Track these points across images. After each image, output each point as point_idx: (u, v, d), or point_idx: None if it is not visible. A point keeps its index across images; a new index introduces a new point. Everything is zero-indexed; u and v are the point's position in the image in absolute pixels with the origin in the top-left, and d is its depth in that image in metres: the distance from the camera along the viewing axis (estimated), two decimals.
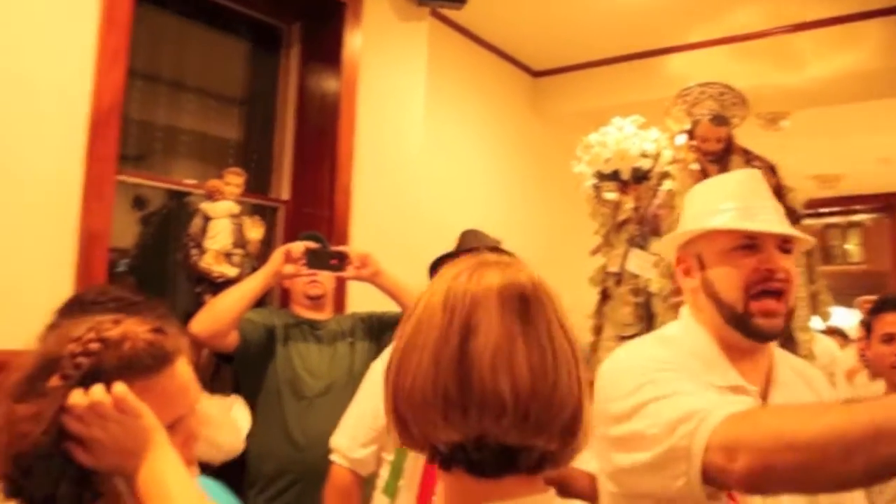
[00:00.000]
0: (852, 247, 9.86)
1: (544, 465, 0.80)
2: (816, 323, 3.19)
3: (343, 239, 3.07)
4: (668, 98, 3.19)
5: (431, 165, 3.82)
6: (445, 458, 0.79)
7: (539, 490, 0.82)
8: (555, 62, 4.80)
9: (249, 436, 2.33)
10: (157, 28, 2.95)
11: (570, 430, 0.78)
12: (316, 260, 2.32)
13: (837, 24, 4.01)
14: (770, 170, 3.01)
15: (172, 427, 0.96)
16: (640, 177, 3.05)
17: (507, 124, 4.69)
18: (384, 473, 1.87)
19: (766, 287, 1.26)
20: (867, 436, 0.86)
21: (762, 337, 1.28)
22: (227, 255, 2.77)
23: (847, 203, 7.84)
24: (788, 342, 2.85)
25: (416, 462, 1.62)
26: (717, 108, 3.02)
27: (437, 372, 0.76)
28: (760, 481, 0.96)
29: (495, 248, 1.89)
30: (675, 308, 2.83)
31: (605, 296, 3.11)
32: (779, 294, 1.26)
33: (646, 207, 3.01)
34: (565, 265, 4.76)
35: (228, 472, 2.09)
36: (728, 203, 1.32)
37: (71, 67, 2.24)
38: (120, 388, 0.90)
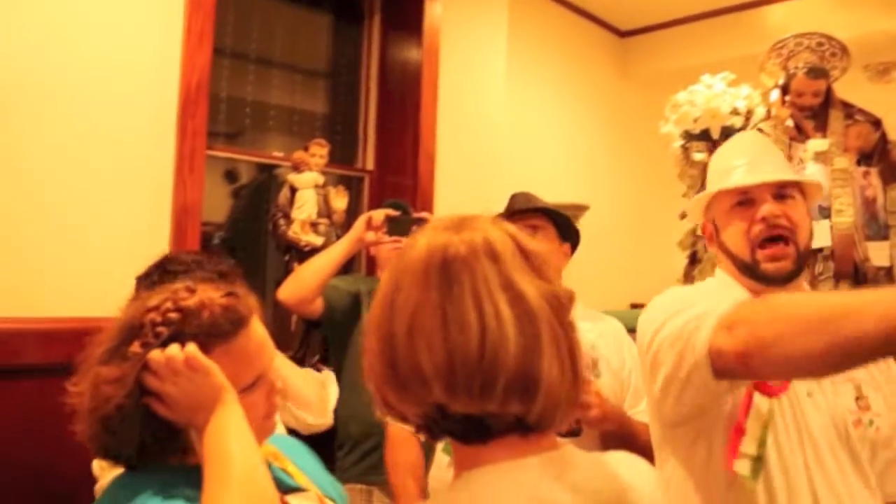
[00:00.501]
0: None
1: (528, 424, 0.77)
2: None
3: (428, 206, 3.09)
4: (761, 53, 3.04)
5: (514, 131, 3.78)
6: (425, 429, 0.81)
7: (543, 448, 0.79)
8: (642, 21, 4.65)
9: (338, 399, 2.40)
10: (243, 7, 3.03)
11: (524, 389, 0.75)
12: (396, 227, 2.34)
13: None
14: (874, 124, 2.85)
15: (254, 384, 1.00)
16: (730, 136, 2.93)
17: (593, 86, 4.59)
18: None
19: (768, 234, 1.33)
20: (838, 313, 0.90)
21: (771, 281, 1.35)
22: (313, 225, 2.85)
23: None
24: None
25: None
26: (815, 59, 2.87)
27: (379, 351, 0.78)
28: (753, 353, 0.99)
29: (543, 210, 1.83)
30: None
31: (693, 259, 3.03)
32: (783, 239, 1.33)
33: None
34: (653, 229, 4.67)
35: (321, 434, 2.17)
36: (734, 162, 1.41)
37: (161, 48, 2.33)
38: (191, 347, 0.94)
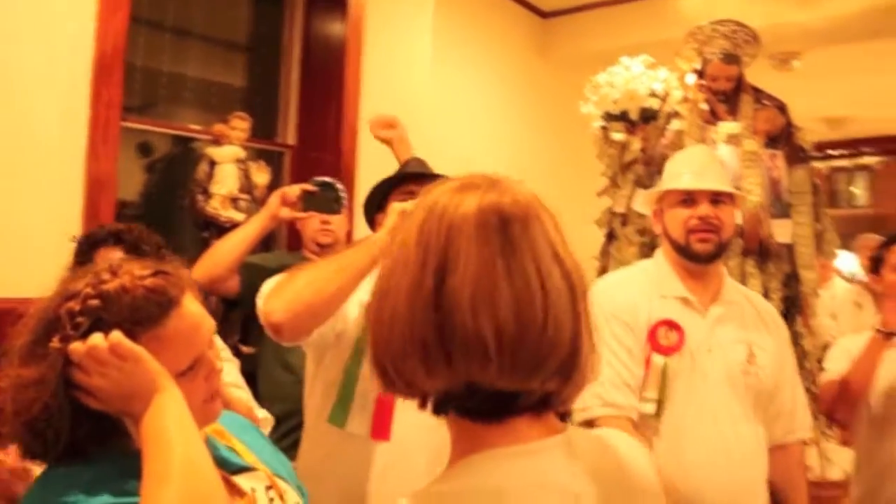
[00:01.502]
0: (858, 190, 9.81)
1: (550, 403, 0.73)
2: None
3: (350, 182, 3.07)
4: (678, 38, 3.14)
5: (439, 108, 3.78)
6: (436, 405, 0.73)
7: (552, 430, 0.75)
8: (564, 2, 4.71)
9: (260, 380, 2.36)
10: None
11: (568, 367, 0.70)
12: (312, 202, 2.28)
13: None
14: (780, 109, 2.99)
15: (191, 367, 0.95)
16: (648, 117, 3.02)
17: (515, 66, 4.63)
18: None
19: (700, 228, 1.77)
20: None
21: (699, 258, 1.79)
22: (234, 201, 2.78)
23: (854, 146, 7.75)
24: (792, 279, 2.86)
25: (368, 385, 1.55)
26: (729, 46, 2.97)
27: (412, 319, 0.68)
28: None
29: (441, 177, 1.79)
30: None
31: (610, 237, 3.11)
32: (711, 231, 1.76)
33: (653, 148, 2.99)
34: (572, 207, 4.74)
35: None
36: (684, 169, 1.85)
37: (74, 13, 2.21)
38: (116, 334, 0.87)
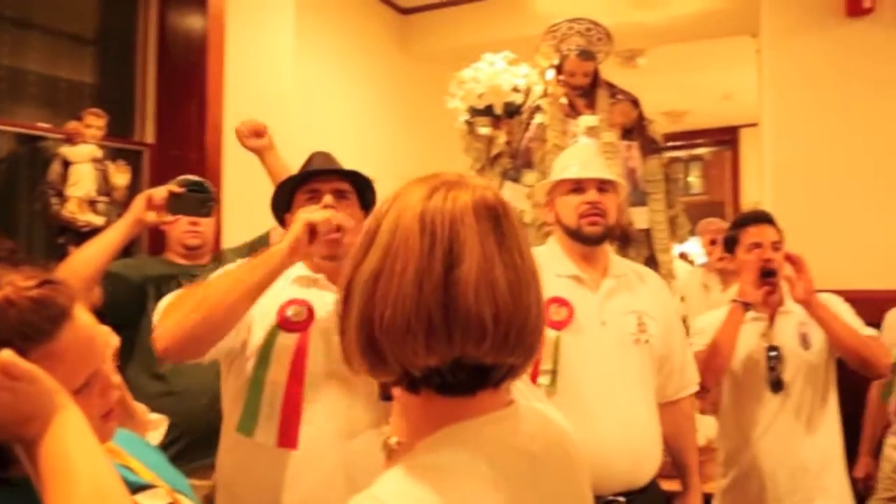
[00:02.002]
0: (694, 179, 10.58)
1: (509, 377, 0.81)
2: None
3: (216, 180, 2.97)
4: (536, 35, 3.26)
5: (304, 103, 3.73)
6: (415, 382, 0.78)
7: (506, 401, 0.84)
8: None
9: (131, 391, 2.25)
10: None
11: (535, 345, 0.80)
12: (180, 204, 2.18)
13: None
14: (633, 103, 3.18)
15: (87, 383, 0.88)
16: (512, 111, 3.13)
17: (376, 61, 4.64)
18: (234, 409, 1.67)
19: (589, 212, 1.93)
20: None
21: (589, 240, 1.95)
22: (92, 203, 2.63)
23: (690, 137, 8.33)
24: (650, 263, 3.06)
25: (274, 392, 1.54)
26: (584, 43, 3.13)
27: (419, 299, 0.73)
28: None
29: (351, 174, 1.77)
30: (547, 236, 2.98)
31: None
32: (599, 214, 1.94)
33: (518, 141, 3.10)
34: None
35: None
36: (572, 162, 2.04)
37: None
38: (6, 353, 0.79)
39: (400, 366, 0.76)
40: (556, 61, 3.19)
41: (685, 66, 5.88)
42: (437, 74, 3.49)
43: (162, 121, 3.09)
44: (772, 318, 2.29)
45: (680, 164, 10.77)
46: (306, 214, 1.48)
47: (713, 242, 4.76)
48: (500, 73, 3.11)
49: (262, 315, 1.57)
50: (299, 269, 1.66)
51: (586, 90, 3.14)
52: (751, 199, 7.08)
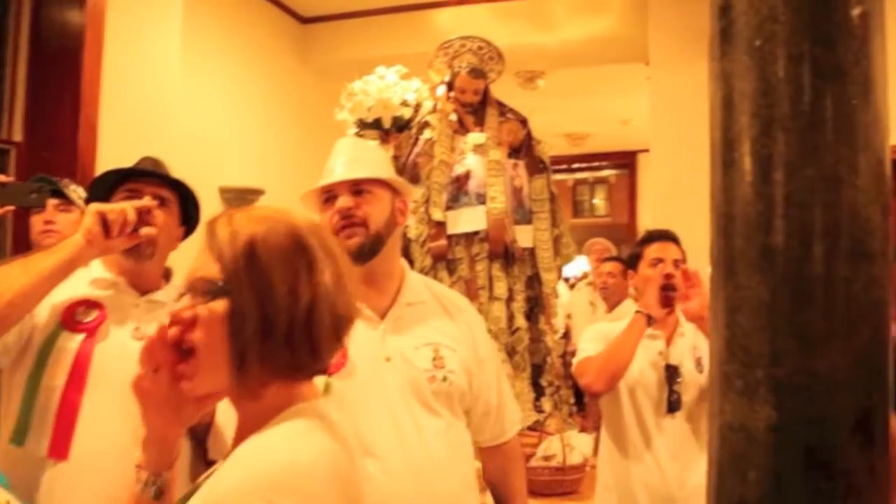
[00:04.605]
0: (599, 201, 10.87)
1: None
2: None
3: (87, 182, 2.82)
4: (431, 52, 3.27)
5: (191, 108, 3.62)
6: (270, 374, 0.89)
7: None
8: (323, 9, 4.72)
9: None
10: None
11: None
12: (9, 195, 2.03)
13: None
14: (522, 122, 3.22)
15: None
16: (401, 126, 3.12)
17: (273, 69, 4.55)
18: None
19: (341, 225, 1.54)
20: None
21: (353, 258, 1.52)
22: None
23: (593, 160, 8.56)
24: (535, 281, 3.09)
25: (49, 398, 1.45)
26: (476, 61, 3.15)
27: (333, 302, 0.92)
28: None
29: (174, 182, 1.67)
30: (430, 253, 2.98)
31: None
32: (357, 224, 1.55)
33: (406, 156, 3.09)
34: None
35: None
36: (329, 166, 1.63)
37: None
38: None
39: (296, 367, 0.90)
40: (447, 77, 3.21)
41: (584, 90, 6.03)
42: (336, 86, 3.46)
43: (31, 118, 2.92)
44: (669, 339, 2.30)
45: (586, 186, 11.09)
46: (97, 205, 1.40)
47: (599, 261, 4.91)
48: (390, 87, 3.10)
49: (51, 314, 1.48)
50: (99, 270, 1.59)
51: (476, 108, 3.17)
52: (646, 222, 7.31)
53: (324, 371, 0.95)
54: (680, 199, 3.71)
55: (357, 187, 1.57)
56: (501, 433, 1.72)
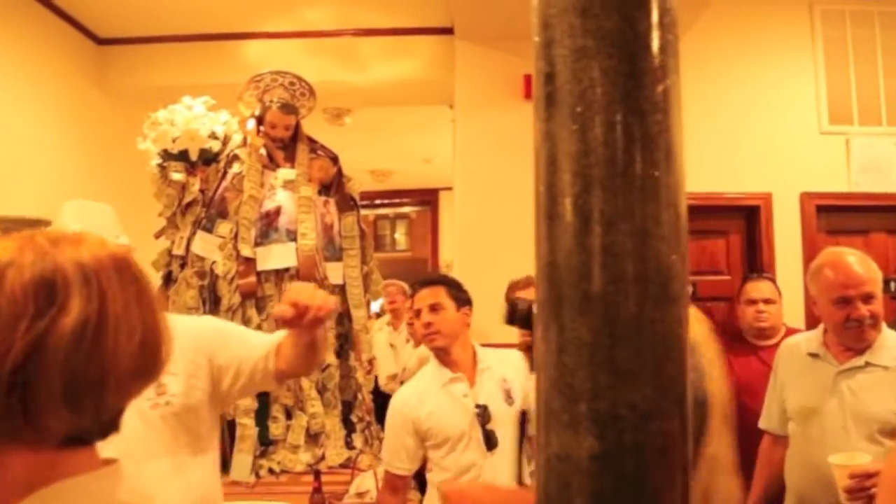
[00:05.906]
0: (400, 236, 11.11)
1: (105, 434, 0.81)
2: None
3: None
4: (241, 83, 3.21)
5: None
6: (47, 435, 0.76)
7: (101, 459, 0.82)
8: (123, 31, 4.46)
9: None
10: None
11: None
12: None
13: (398, 34, 4.49)
14: (333, 160, 3.24)
15: None
16: (208, 158, 3.02)
17: (66, 92, 4.21)
18: None
19: None
20: None
21: None
22: None
23: (396, 196, 8.76)
24: (345, 318, 3.10)
25: None
26: (287, 96, 3.14)
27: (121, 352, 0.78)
28: None
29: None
30: (239, 290, 2.88)
31: (168, 279, 3.02)
32: None
33: (213, 190, 3.00)
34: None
35: None
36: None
37: None
38: None
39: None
40: (257, 111, 3.16)
41: (390, 129, 6.18)
42: (136, 113, 3.27)
43: None
44: (471, 379, 2.30)
45: (387, 221, 11.28)
46: None
47: (392, 303, 5.07)
48: (198, 118, 2.99)
49: None
50: None
51: (286, 143, 3.15)
52: (447, 256, 7.58)
53: (101, 432, 0.77)
54: (481, 234, 3.93)
55: None
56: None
